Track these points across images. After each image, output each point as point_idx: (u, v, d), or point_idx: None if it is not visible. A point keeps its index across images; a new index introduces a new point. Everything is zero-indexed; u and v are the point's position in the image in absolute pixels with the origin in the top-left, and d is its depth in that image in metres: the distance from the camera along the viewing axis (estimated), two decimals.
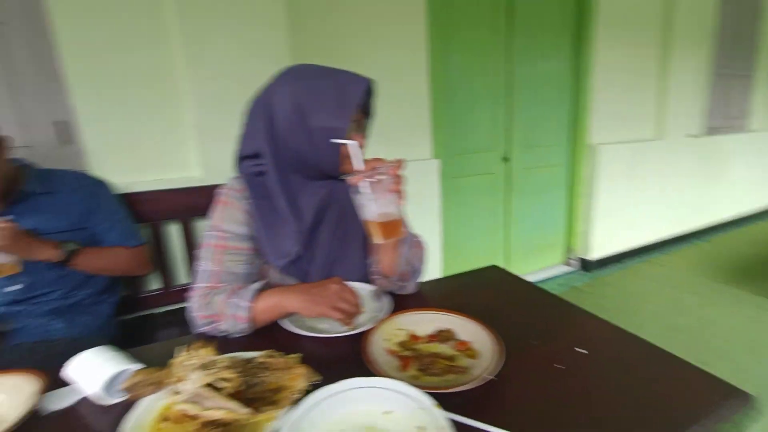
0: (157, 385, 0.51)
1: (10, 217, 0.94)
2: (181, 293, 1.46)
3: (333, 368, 0.55)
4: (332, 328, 0.70)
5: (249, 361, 0.50)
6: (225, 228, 0.80)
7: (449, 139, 2.30)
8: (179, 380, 0.49)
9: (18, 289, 0.98)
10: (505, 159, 2.56)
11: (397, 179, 0.64)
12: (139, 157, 1.46)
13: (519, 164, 2.62)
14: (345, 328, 0.70)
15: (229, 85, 1.47)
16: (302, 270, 0.85)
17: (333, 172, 0.79)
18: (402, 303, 0.77)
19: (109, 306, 1.16)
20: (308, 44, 1.71)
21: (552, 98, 2.66)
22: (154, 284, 1.46)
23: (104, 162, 1.40)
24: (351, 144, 0.69)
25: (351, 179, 0.65)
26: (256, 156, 0.82)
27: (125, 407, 0.53)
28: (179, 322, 1.38)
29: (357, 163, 0.68)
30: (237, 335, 0.71)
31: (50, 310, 1.02)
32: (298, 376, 0.49)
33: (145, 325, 1.36)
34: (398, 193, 0.64)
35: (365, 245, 0.91)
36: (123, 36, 1.36)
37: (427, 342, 0.65)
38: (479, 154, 2.47)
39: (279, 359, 0.51)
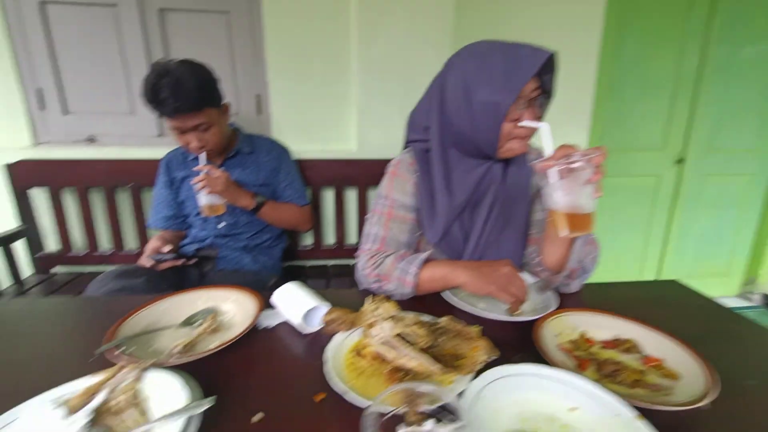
0: (349, 325, 0.58)
1: (223, 169, 1.18)
2: (328, 251, 1.65)
3: (503, 350, 0.54)
4: (489, 310, 0.70)
5: (433, 323, 0.54)
6: (394, 197, 0.86)
7: (610, 132, 2.02)
8: (371, 325, 0.55)
9: (223, 226, 1.24)
10: (679, 161, 2.14)
11: (598, 170, 0.58)
12: (310, 128, 1.67)
13: (696, 169, 2.16)
14: (505, 312, 0.69)
15: (391, 67, 1.55)
16: (455, 250, 0.86)
17: (491, 151, 0.76)
18: (563, 301, 0.73)
19: (278, 251, 1.38)
20: (473, 25, 1.68)
21: (754, 92, 2.09)
22: (308, 240, 1.67)
23: (284, 131, 1.64)
24: (542, 126, 0.66)
25: (538, 165, 0.62)
26: (426, 131, 0.85)
27: (317, 336, 0.62)
28: (325, 275, 1.57)
29: (546, 148, 0.64)
30: (399, 298, 0.76)
31: (242, 246, 1.26)
32: (479, 348, 0.50)
33: (297, 274, 1.58)
34: (596, 184, 0.58)
35: (524, 234, 0.88)
36: (312, 20, 1.55)
37: (602, 347, 0.60)
38: (645, 153, 2.11)
39: (462, 327, 0.53)
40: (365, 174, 1.62)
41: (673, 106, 2.07)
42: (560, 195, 0.60)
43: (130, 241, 1.55)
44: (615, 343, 0.60)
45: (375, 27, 1.50)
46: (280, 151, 1.35)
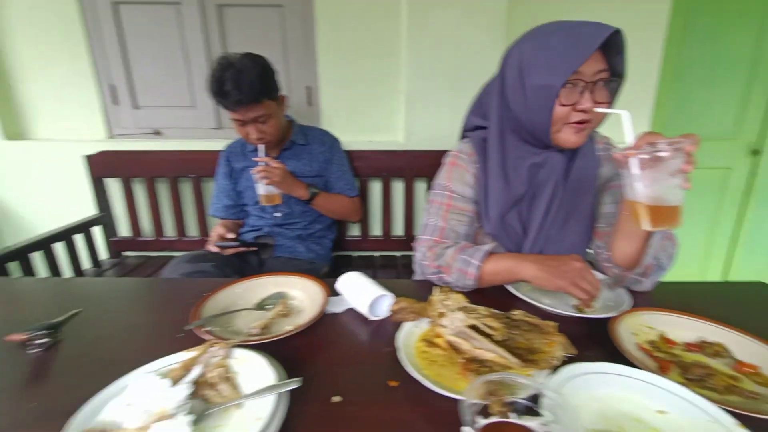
0: (417, 315, 0.59)
1: (280, 160, 1.22)
2: (374, 242, 1.67)
3: (578, 347, 0.53)
4: (555, 305, 0.68)
5: (506, 316, 0.53)
6: (452, 188, 0.85)
7: (675, 118, 1.87)
8: (440, 316, 0.55)
9: (279, 215, 1.29)
10: (755, 152, 1.95)
11: (690, 159, 0.54)
12: (358, 119, 1.68)
13: None
14: (572, 308, 0.67)
15: (442, 57, 1.52)
16: (513, 242, 0.84)
17: (544, 137, 0.73)
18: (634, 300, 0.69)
19: (329, 241, 1.42)
20: (529, 9, 1.61)
21: None
22: (355, 231, 1.70)
23: (333, 121, 1.67)
24: (622, 113, 0.62)
25: (618, 154, 0.58)
26: (486, 118, 0.84)
27: (382, 324, 0.64)
28: (371, 266, 1.60)
29: (628, 136, 0.60)
30: (460, 290, 0.76)
31: (296, 235, 1.30)
32: (555, 343, 0.49)
33: (344, 264, 1.61)
34: (684, 175, 0.54)
35: (589, 228, 0.84)
36: (363, 12, 1.55)
37: (686, 350, 0.56)
38: (714, 143, 1.94)
39: (539, 322, 0.52)
40: (412, 165, 1.61)
41: (748, 91, 1.88)
42: (643, 186, 0.57)
43: (192, 228, 1.65)
44: (700, 346, 0.56)
45: (425, 16, 1.48)
46: (332, 142, 1.38)
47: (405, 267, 1.59)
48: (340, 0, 1.54)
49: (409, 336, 0.57)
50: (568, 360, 0.49)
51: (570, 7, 1.63)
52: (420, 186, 1.67)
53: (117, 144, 1.59)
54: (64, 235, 1.40)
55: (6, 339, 0.56)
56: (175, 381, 0.45)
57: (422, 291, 0.69)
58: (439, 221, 0.84)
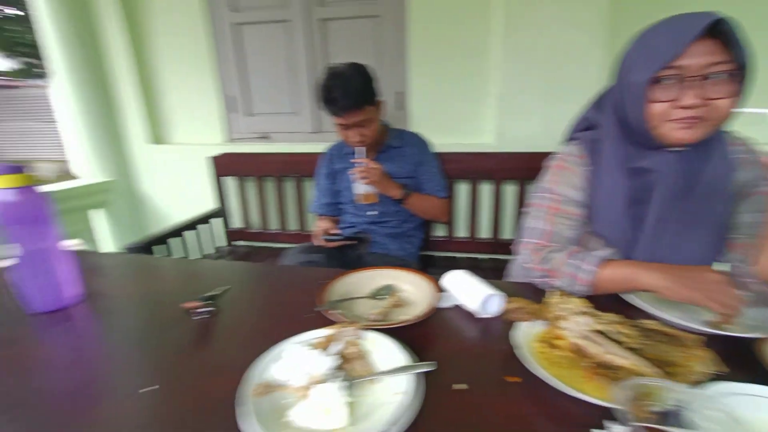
0: (531, 315, 0.59)
1: (377, 161, 1.29)
2: (459, 244, 1.68)
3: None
4: (680, 319, 0.62)
5: (636, 324, 0.51)
6: (559, 191, 0.83)
7: None
8: (559, 318, 0.55)
9: (374, 214, 1.36)
10: None
11: None
12: (446, 122, 1.71)
13: None
14: (704, 324, 0.61)
15: (537, 56, 1.48)
16: (623, 249, 0.79)
17: (645, 136, 0.70)
18: None
19: (418, 240, 1.46)
20: (635, 3, 1.49)
21: None
22: (440, 232, 1.73)
23: (421, 125, 1.71)
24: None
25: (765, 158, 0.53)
26: (600, 119, 0.81)
27: (491, 322, 0.65)
28: (455, 267, 1.60)
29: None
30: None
31: (388, 233, 1.37)
32: (696, 358, 0.46)
33: (429, 263, 1.64)
34: None
35: (718, 238, 0.76)
36: (454, 21, 1.58)
37: None
38: None
39: (678, 333, 0.49)
40: (502, 167, 1.59)
41: None
42: None
43: (292, 223, 1.82)
44: None
45: (522, 16, 1.45)
46: (423, 145, 1.42)
47: (492, 270, 1.57)
48: (433, 6, 1.58)
49: (526, 336, 0.58)
50: (712, 378, 0.46)
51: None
52: (509, 189, 1.63)
53: (233, 147, 1.83)
54: (192, 225, 1.65)
55: (181, 306, 0.69)
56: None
57: (522, 293, 0.69)
58: (545, 225, 0.82)
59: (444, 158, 1.61)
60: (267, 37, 1.76)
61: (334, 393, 0.45)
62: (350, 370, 0.51)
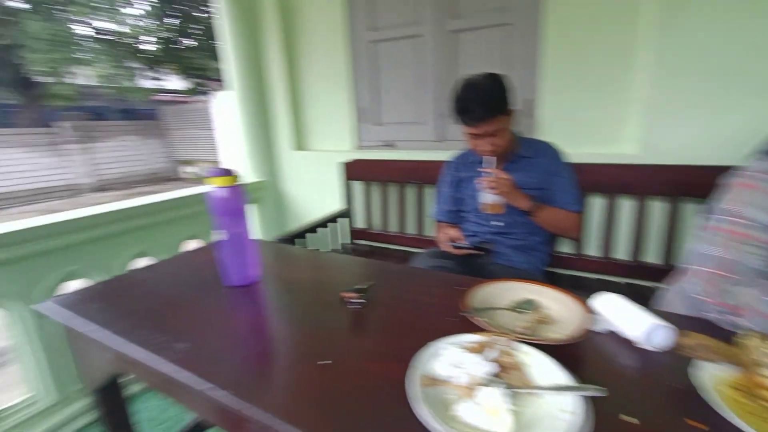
0: (720, 356, 0.52)
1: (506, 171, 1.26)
2: (589, 263, 1.54)
3: None
4: None
5: None
6: (746, 215, 0.71)
7: None
8: (761, 365, 0.47)
9: (499, 225, 1.34)
10: None
11: None
12: (579, 130, 1.58)
13: None
14: None
15: (697, 58, 1.29)
16: None
17: None
18: None
19: (545, 255, 1.39)
20: None
21: None
22: (566, 248, 1.60)
23: (552, 133, 1.62)
24: None
25: None
26: None
27: (654, 354, 0.59)
28: (582, 288, 1.47)
29: None
30: None
31: (513, 245, 1.33)
32: None
33: (553, 280, 1.53)
34: None
35: None
36: (594, 25, 1.46)
37: None
38: None
39: None
40: (648, 181, 1.40)
41: None
42: None
43: (410, 227, 1.90)
44: None
45: (685, 5, 1.27)
46: (556, 155, 1.34)
47: (629, 296, 1.39)
48: (570, 10, 1.49)
49: (713, 378, 0.51)
50: None
51: None
52: (655, 206, 1.44)
53: (361, 154, 1.99)
54: (324, 223, 1.85)
55: (341, 294, 0.79)
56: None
57: (690, 326, 0.61)
58: (725, 252, 0.71)
59: (576, 169, 1.50)
60: (398, 52, 1.88)
61: (498, 398, 0.46)
62: (509, 379, 0.52)
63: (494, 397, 0.47)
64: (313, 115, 2.17)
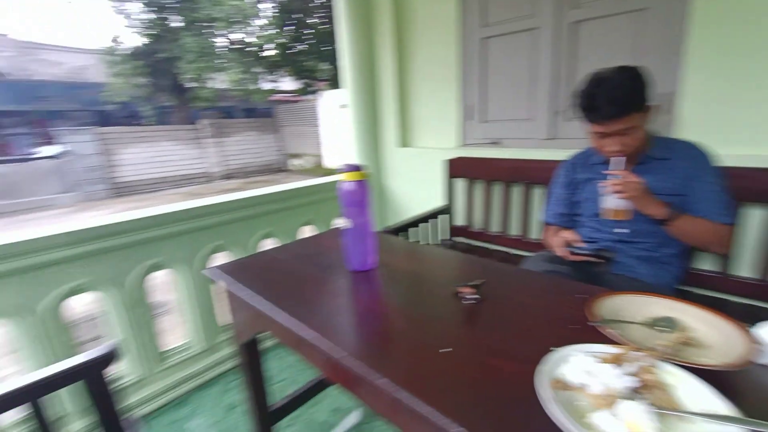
0: None
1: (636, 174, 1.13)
2: (738, 284, 1.30)
3: None
4: None
5: None
6: None
7: None
8: None
9: (624, 232, 1.22)
10: None
11: None
12: (732, 129, 1.34)
13: None
14: None
15: None
16: None
17: None
18: None
19: (677, 269, 1.22)
20: None
21: None
22: (707, 264, 1.38)
23: (694, 131, 1.40)
24: None
25: None
26: None
27: None
28: (725, 312, 1.25)
29: None
30: None
31: (638, 256, 1.20)
32: None
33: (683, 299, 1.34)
34: None
35: None
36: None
37: None
38: None
39: None
40: None
41: None
42: None
43: (514, 228, 1.83)
44: None
45: None
46: (698, 157, 1.16)
47: None
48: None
49: None
50: None
51: None
52: None
53: (466, 151, 1.98)
54: (426, 218, 1.90)
55: (456, 289, 0.82)
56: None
57: None
58: None
59: (727, 174, 1.27)
60: (511, 47, 1.81)
61: (642, 415, 0.44)
62: (652, 399, 0.49)
63: (636, 413, 0.45)
64: (419, 113, 2.22)
